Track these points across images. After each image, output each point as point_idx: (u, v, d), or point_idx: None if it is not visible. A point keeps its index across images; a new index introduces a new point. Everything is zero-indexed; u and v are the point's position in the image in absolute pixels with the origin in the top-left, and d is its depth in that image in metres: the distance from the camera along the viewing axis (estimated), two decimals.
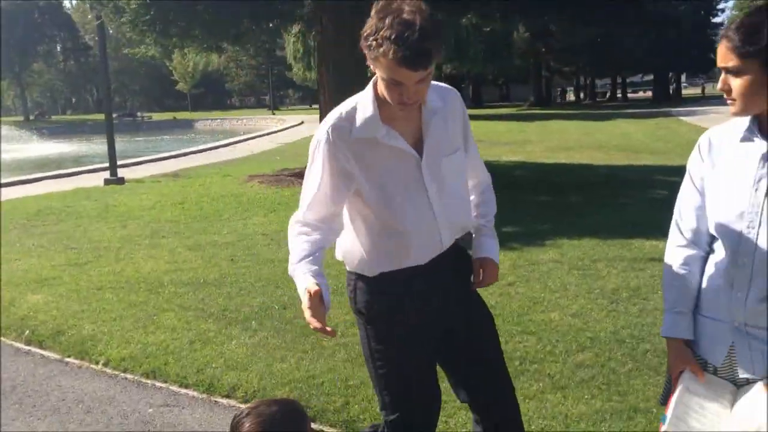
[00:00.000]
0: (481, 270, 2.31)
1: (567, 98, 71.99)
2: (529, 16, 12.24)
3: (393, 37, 1.84)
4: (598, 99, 62.47)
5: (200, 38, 12.53)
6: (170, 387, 3.99)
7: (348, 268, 2.27)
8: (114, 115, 17.62)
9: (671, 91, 57.39)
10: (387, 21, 1.86)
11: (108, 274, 6.28)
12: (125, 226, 8.60)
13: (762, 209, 1.80)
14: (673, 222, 2.03)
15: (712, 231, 1.91)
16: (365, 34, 1.92)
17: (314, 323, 1.90)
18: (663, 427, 1.81)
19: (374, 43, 1.88)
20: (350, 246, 2.22)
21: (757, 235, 1.80)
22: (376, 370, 2.28)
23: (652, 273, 5.60)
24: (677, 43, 47.01)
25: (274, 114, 33.69)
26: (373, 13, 1.93)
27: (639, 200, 9.24)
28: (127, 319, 5.01)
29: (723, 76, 1.81)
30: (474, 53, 30.66)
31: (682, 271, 1.97)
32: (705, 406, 1.84)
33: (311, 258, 2.06)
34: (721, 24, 53.98)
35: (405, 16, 1.86)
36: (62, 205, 10.40)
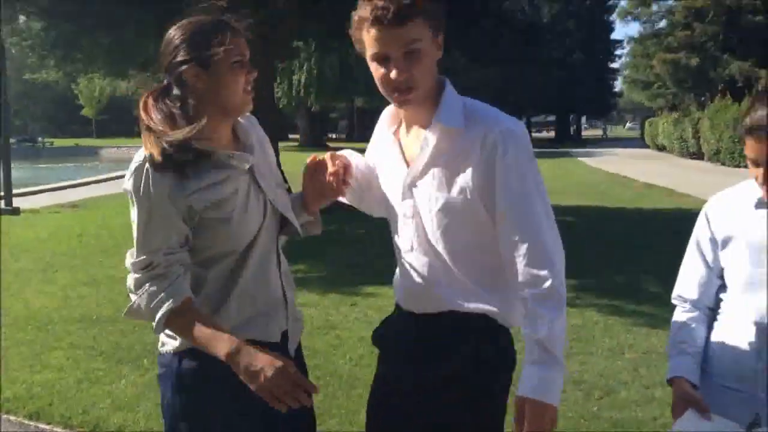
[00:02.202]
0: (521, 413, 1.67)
1: None
2: None
3: None
4: None
5: (104, 66, 12.28)
6: (54, 429, 3.92)
7: None
8: (12, 140, 16.94)
9: (572, 132, 59.98)
10: None
11: None
12: (17, 260, 8.32)
13: None
14: (675, 289, 2.04)
15: (733, 298, 1.90)
16: (351, 23, 1.76)
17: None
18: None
19: (355, 17, 1.72)
20: None
21: None
22: None
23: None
24: (576, 87, 49.40)
25: None
26: None
27: None
28: (13, 358, 4.88)
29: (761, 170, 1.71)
30: None
31: (687, 331, 1.96)
32: None
33: None
34: (618, 70, 56.90)
35: None
36: None
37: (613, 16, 52.86)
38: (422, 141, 1.77)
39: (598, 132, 75.57)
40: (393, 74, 1.69)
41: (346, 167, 1.91)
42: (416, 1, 1.66)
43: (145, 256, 1.74)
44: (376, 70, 1.73)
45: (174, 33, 1.78)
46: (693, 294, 2.00)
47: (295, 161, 11.36)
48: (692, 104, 32.32)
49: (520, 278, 1.68)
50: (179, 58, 1.75)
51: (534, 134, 67.58)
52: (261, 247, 1.85)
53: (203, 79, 1.75)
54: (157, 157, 1.69)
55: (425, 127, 1.78)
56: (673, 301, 2.06)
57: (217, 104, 1.78)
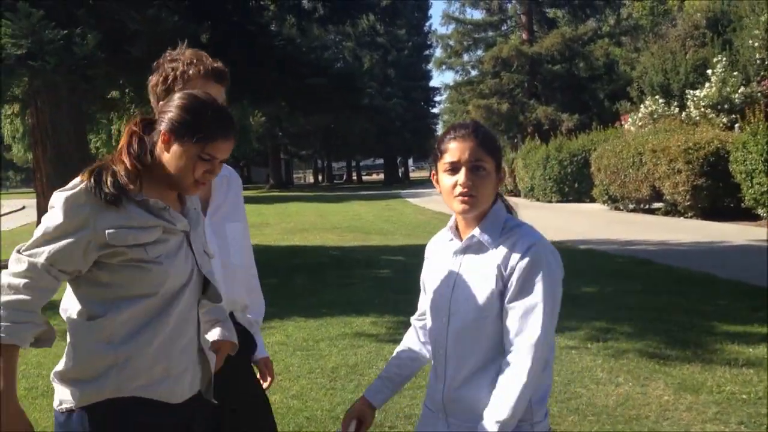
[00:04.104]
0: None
1: (306, 180, 74.74)
2: (256, 104, 12.72)
3: (197, 59, 2.12)
4: (335, 181, 65.63)
5: None
6: None
7: None
8: None
9: (400, 174, 62.15)
10: (181, 58, 2.15)
11: None
12: None
13: (449, 302, 1.94)
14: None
15: (429, 324, 2.07)
16: (162, 79, 2.14)
17: None
18: None
19: (179, 74, 2.10)
20: None
21: (448, 326, 1.94)
22: None
23: (369, 349, 5.96)
24: (400, 131, 51.43)
25: None
26: (157, 68, 2.17)
27: (364, 279, 9.76)
28: None
29: (465, 173, 1.86)
30: None
31: (400, 347, 2.20)
32: None
33: None
34: (438, 115, 60.04)
35: (190, 52, 2.19)
36: None
37: (430, 65, 55.87)
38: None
39: (426, 173, 78.85)
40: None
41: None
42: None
43: (37, 259, 1.71)
44: None
45: (182, 94, 1.87)
46: (420, 319, 2.21)
47: None
48: (506, 146, 34.65)
49: None
50: (168, 116, 1.82)
51: (364, 177, 69.42)
52: (183, 306, 1.85)
53: (169, 149, 1.82)
54: (102, 188, 1.74)
55: None
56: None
57: (168, 174, 1.84)
